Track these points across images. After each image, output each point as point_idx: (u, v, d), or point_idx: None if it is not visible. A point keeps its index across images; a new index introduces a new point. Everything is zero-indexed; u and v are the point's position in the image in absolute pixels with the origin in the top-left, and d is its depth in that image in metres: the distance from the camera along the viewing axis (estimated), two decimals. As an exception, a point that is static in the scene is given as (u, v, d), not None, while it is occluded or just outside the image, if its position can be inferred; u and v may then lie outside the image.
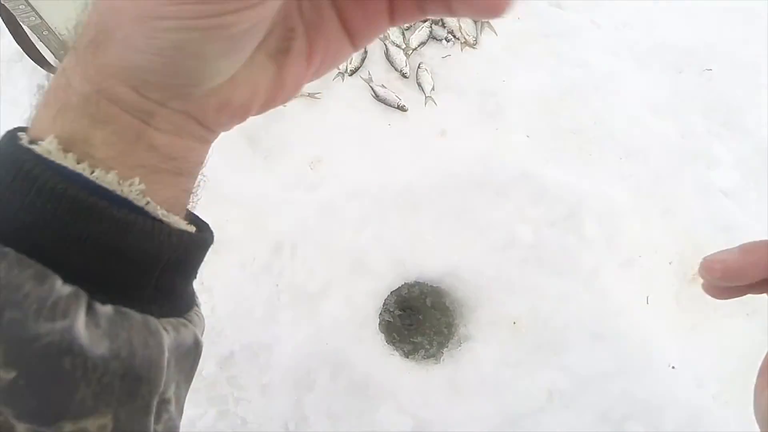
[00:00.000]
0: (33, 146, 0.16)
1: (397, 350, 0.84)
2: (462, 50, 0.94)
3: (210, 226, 0.22)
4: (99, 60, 0.17)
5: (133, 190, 0.17)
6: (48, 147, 0.16)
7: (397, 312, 0.89)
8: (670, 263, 0.90)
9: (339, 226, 0.76)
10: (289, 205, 0.77)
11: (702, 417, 0.83)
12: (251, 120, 0.72)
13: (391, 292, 0.85)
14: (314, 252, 0.76)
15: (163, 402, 0.18)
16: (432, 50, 0.94)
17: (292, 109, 0.88)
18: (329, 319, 0.75)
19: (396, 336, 0.88)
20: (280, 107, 0.77)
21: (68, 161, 0.16)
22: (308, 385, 0.77)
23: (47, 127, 0.17)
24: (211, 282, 0.79)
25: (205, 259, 0.71)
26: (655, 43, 0.95)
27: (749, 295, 0.86)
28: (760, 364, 0.81)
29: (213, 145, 0.58)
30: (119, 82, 0.16)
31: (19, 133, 0.17)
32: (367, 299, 0.77)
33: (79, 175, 0.16)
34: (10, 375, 0.15)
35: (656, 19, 0.97)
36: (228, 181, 0.81)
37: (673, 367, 0.83)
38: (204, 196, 0.73)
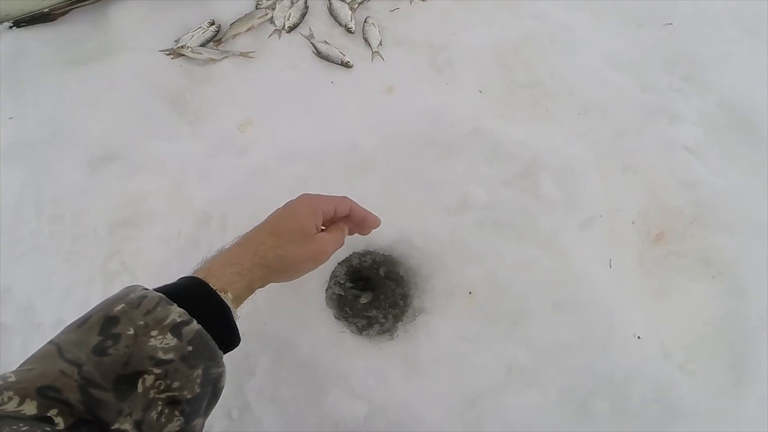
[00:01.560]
0: (222, 294, 0.46)
1: (348, 326, 0.78)
2: (411, 3, 0.87)
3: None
4: (257, 274, 0.50)
5: (228, 297, 0.47)
6: (228, 296, 0.46)
7: (349, 284, 0.83)
8: (633, 222, 0.86)
9: (274, 192, 0.69)
10: (217, 172, 0.70)
11: (669, 389, 0.78)
12: (176, 82, 0.62)
13: (340, 263, 0.78)
14: (247, 223, 0.67)
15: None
16: (379, 3, 0.87)
17: (223, 70, 0.80)
18: (267, 297, 0.68)
19: (348, 310, 0.82)
20: (210, 66, 0.69)
21: (227, 297, 0.46)
22: (249, 369, 0.71)
23: (228, 286, 0.47)
24: (133, 261, 0.71)
25: (126, 236, 0.63)
26: None
27: (716, 253, 0.80)
28: (727, 329, 0.75)
29: (129, 110, 0.83)
30: (259, 283, 0.51)
31: (210, 279, 0.47)
32: (310, 273, 0.71)
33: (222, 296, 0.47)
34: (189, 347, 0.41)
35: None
36: (148, 149, 0.73)
37: (638, 337, 0.79)
38: (122, 167, 0.63)
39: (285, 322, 0.71)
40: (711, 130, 0.91)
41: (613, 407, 0.77)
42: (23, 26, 0.89)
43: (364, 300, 0.80)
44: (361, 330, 0.80)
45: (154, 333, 0.39)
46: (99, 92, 0.79)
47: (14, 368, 0.38)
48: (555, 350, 0.75)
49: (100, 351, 0.38)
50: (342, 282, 0.81)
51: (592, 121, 0.82)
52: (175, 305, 0.41)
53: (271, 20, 0.86)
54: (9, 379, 0.35)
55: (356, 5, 0.87)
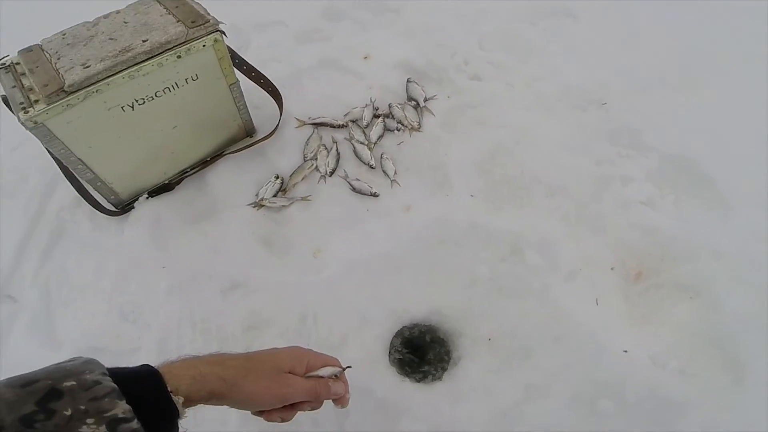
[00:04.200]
0: (174, 397, 0.52)
1: (408, 378, 1.24)
2: (410, 135, 1.36)
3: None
4: (213, 384, 0.57)
5: (179, 400, 0.53)
6: (179, 399, 0.53)
7: (405, 350, 1.28)
8: (612, 269, 1.26)
9: (343, 294, 1.17)
10: (305, 286, 1.20)
11: (661, 388, 1.09)
12: (264, 227, 1.28)
13: (395, 335, 1.24)
14: (330, 316, 1.17)
15: None
16: (388, 141, 1.37)
17: (292, 213, 1.32)
18: (350, 361, 1.15)
19: (408, 369, 1.27)
20: (283, 211, 1.27)
21: (178, 402, 0.53)
22: (344, 413, 1.17)
23: (181, 388, 0.54)
24: (261, 354, 1.21)
25: (254, 335, 1.38)
26: (559, 90, 1.34)
27: (688, 280, 1.33)
28: (714, 336, 1.24)
29: (239, 252, 1.37)
30: (214, 393, 0.57)
31: (166, 378, 0.53)
32: (375, 343, 1.17)
33: (173, 399, 0.53)
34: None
35: (558, 69, 1.34)
36: (258, 278, 1.24)
37: (625, 351, 1.17)
38: (243, 291, 1.29)
39: (364, 377, 1.16)
40: (661, 182, 1.29)
41: (617, 405, 1.10)
42: (154, 196, 1.43)
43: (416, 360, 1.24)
44: (418, 381, 1.25)
45: (89, 421, 0.43)
46: (217, 241, 1.33)
47: None
48: (558, 370, 1.13)
49: (27, 422, 0.41)
50: (399, 349, 1.27)
51: (559, 199, 1.24)
52: (124, 401, 0.46)
53: (317, 168, 1.38)
54: None
55: (372, 145, 1.37)
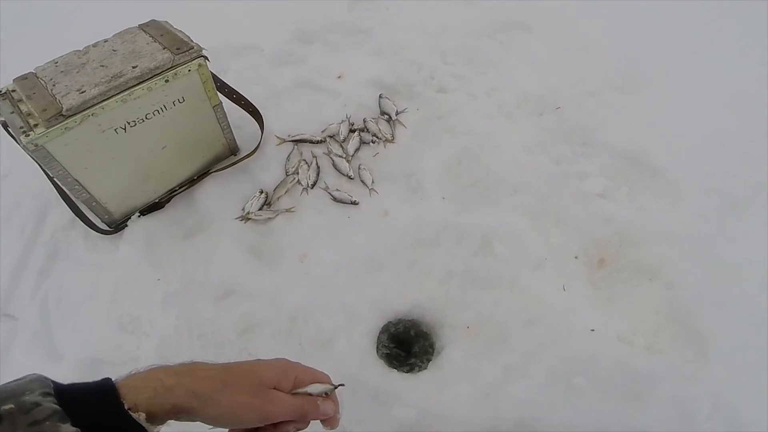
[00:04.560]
0: (133, 414, 0.46)
1: (396, 370, 1.33)
2: (385, 146, 1.49)
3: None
4: (180, 397, 0.50)
5: (140, 417, 0.47)
6: (139, 415, 0.47)
7: (392, 345, 1.38)
8: (576, 257, 1.39)
9: (330, 294, 1.27)
10: (294, 289, 1.29)
11: (630, 363, 1.21)
12: (251, 238, 1.41)
13: (381, 331, 1.34)
14: (319, 316, 1.27)
15: None
16: (365, 152, 1.49)
17: (278, 224, 1.42)
18: (340, 357, 1.25)
19: (396, 362, 1.37)
20: (269, 223, 1.39)
21: (140, 418, 0.46)
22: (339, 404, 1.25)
23: (141, 402, 0.47)
24: (256, 352, 1.29)
25: (248, 338, 1.49)
26: (517, 97, 1.49)
27: (647, 262, 1.49)
28: (675, 313, 1.38)
29: (229, 262, 1.41)
30: (182, 408, 0.50)
31: (122, 393, 0.47)
32: (363, 338, 1.27)
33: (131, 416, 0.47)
34: None
35: (514, 78, 1.50)
36: (249, 285, 1.33)
37: (592, 330, 1.31)
38: (235, 298, 1.41)
39: (354, 370, 1.26)
40: (613, 176, 1.44)
41: (590, 381, 1.23)
42: (145, 214, 1.49)
43: (403, 354, 1.35)
44: (406, 372, 1.35)
45: None
46: (208, 253, 1.42)
47: None
48: (533, 351, 1.24)
49: None
50: (386, 344, 1.37)
51: (522, 196, 1.38)
52: (68, 424, 0.42)
53: (299, 182, 1.49)
54: None
55: (350, 158, 1.49)
